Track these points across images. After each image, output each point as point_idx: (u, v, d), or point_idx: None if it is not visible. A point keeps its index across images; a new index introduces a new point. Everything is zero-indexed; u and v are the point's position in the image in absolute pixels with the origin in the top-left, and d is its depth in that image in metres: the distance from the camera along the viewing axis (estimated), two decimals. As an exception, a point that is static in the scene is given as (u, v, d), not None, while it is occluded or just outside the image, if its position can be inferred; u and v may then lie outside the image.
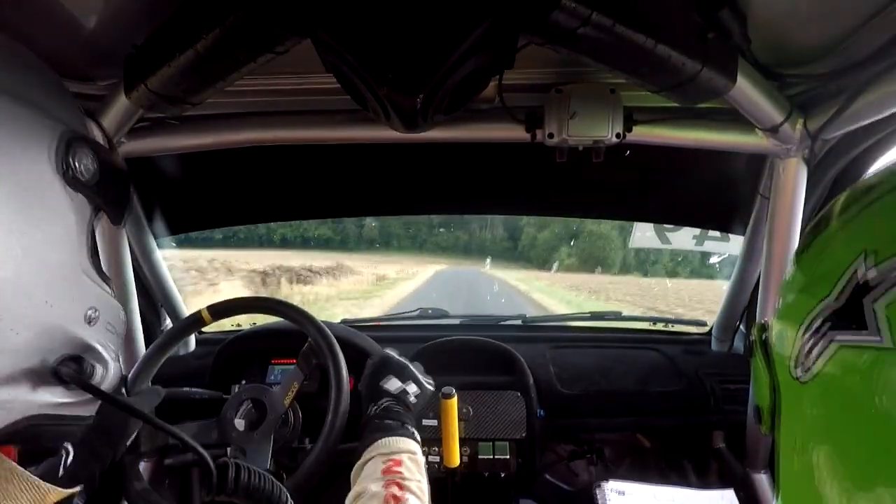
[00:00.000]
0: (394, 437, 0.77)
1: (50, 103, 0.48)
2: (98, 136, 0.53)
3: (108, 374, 0.52)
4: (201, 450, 0.66)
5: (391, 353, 0.95)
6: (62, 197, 0.47)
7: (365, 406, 0.87)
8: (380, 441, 0.76)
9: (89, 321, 0.51)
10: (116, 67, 0.76)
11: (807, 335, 0.36)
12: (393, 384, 0.88)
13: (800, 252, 0.42)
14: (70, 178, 0.48)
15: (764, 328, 0.47)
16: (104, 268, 0.56)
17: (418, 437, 0.81)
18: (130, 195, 0.68)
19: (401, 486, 0.67)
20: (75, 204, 0.49)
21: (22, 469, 0.48)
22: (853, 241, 0.34)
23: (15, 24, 0.65)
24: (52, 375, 0.47)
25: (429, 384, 0.94)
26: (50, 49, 0.66)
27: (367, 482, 0.68)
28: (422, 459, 0.77)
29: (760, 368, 0.45)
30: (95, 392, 0.52)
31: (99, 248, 0.55)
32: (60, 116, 0.49)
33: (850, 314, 0.32)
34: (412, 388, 0.90)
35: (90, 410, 0.62)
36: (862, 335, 0.31)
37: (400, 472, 0.69)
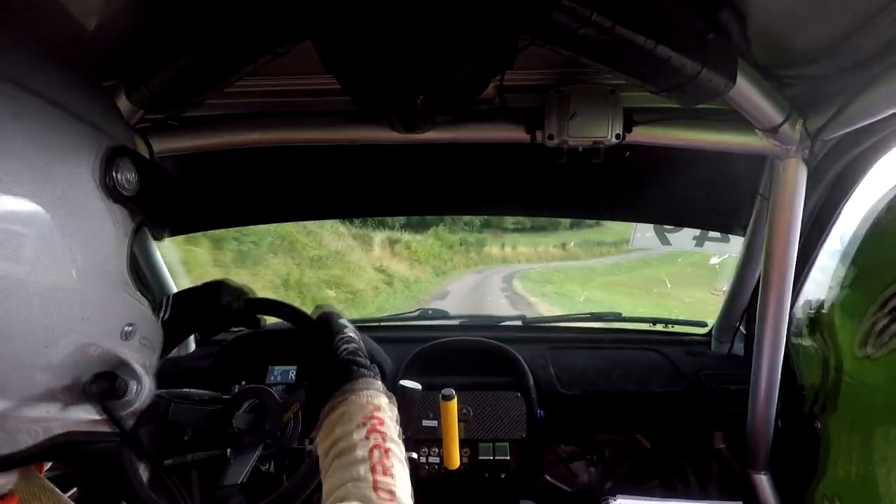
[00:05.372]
0: (373, 383, 0.70)
1: (96, 116, 0.48)
2: (142, 148, 0.53)
3: (142, 389, 0.51)
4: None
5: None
6: (103, 210, 0.47)
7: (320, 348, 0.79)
8: (359, 382, 0.69)
9: (125, 336, 0.50)
10: (117, 68, 0.76)
11: (880, 312, 0.36)
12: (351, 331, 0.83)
13: (865, 239, 0.43)
14: (111, 191, 0.47)
15: (821, 307, 0.47)
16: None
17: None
18: (173, 209, 0.68)
19: (387, 453, 0.59)
20: (116, 217, 0.48)
21: (51, 485, 0.49)
22: None
23: (15, 24, 0.65)
24: (83, 393, 0.46)
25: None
26: (50, 50, 0.66)
27: (348, 430, 0.61)
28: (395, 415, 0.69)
29: (811, 347, 0.45)
30: (111, 417, 0.50)
31: None
32: (106, 129, 0.49)
33: None
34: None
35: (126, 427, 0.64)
36: None
37: (383, 432, 0.62)
